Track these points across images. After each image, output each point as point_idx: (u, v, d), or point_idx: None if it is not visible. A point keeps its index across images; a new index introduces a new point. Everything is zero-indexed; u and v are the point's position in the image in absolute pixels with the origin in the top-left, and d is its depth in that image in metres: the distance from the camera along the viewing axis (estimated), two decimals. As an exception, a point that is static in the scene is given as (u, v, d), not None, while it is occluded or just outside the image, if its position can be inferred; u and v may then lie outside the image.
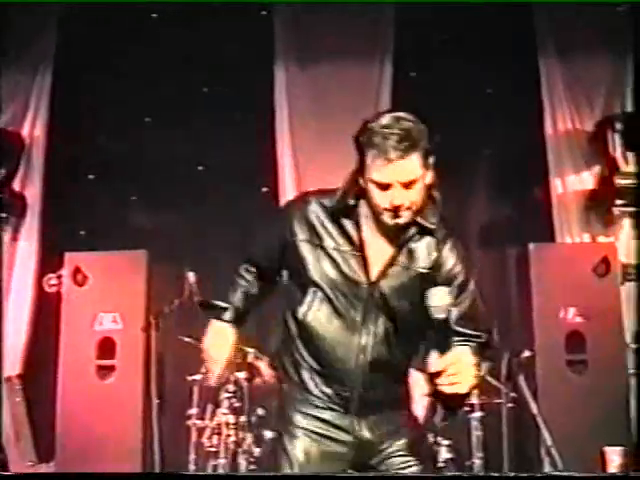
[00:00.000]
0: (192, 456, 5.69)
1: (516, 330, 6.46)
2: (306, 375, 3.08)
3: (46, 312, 6.58)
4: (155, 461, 5.82)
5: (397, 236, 2.99)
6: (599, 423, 5.78)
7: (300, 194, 3.29)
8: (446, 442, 5.58)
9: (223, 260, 6.04)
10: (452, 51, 6.89)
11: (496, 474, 5.34)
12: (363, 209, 3.02)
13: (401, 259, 3.00)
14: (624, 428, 5.93)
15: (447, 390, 2.84)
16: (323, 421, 3.05)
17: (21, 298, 6.77)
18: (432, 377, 2.85)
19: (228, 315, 3.21)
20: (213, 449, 5.60)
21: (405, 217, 2.91)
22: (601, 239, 6.83)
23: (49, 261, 6.64)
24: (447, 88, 6.93)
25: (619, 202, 6.68)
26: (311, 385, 3.07)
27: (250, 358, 5.66)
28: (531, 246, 6.24)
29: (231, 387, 5.66)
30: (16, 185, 6.92)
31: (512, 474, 5.34)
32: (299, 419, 3.07)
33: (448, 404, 3.02)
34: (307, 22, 6.99)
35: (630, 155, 6.76)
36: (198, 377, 5.73)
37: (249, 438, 5.55)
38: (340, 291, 2.99)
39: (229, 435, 5.59)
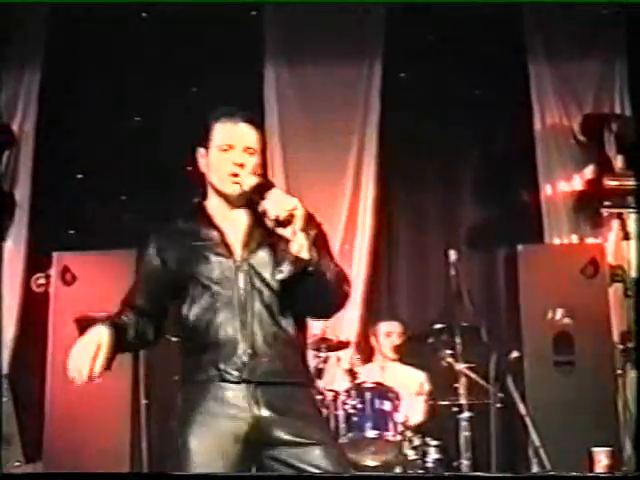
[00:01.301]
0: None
1: (504, 331, 6.47)
2: (200, 359, 3.11)
3: (34, 312, 6.55)
4: (143, 462, 5.82)
5: (245, 205, 3.19)
6: (587, 424, 5.81)
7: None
8: (434, 442, 5.61)
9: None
10: (441, 52, 6.91)
11: (484, 474, 5.36)
12: (209, 200, 3.25)
13: (258, 227, 3.14)
14: (612, 429, 5.95)
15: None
16: (221, 393, 3.06)
17: (9, 298, 6.74)
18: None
19: (106, 322, 3.17)
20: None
21: (245, 181, 3.11)
22: (589, 240, 6.85)
23: (37, 261, 6.61)
24: (436, 89, 6.95)
25: (608, 203, 6.71)
26: (205, 363, 3.10)
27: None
28: (519, 247, 6.25)
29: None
30: (4, 184, 6.90)
31: (500, 474, 5.36)
32: (190, 405, 3.10)
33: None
34: (297, 22, 6.99)
35: (619, 157, 6.80)
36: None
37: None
38: (214, 277, 3.12)
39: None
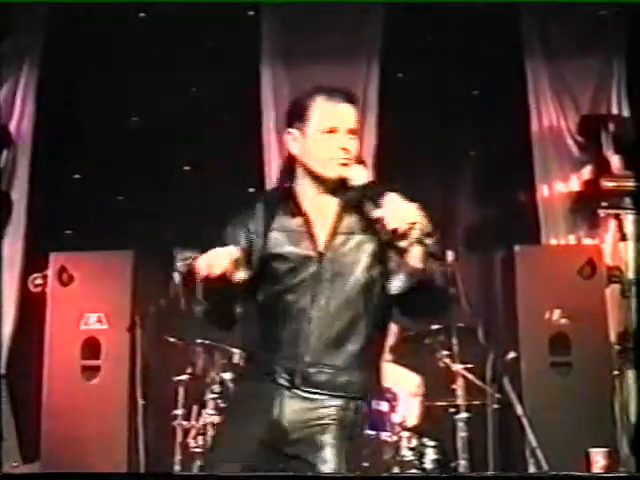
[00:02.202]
0: (178, 457, 5.68)
1: (501, 331, 6.48)
2: (260, 356, 3.03)
3: (31, 312, 6.56)
4: (140, 462, 5.83)
5: (340, 191, 3.00)
6: (584, 424, 5.81)
7: None
8: (432, 443, 5.61)
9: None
10: (439, 52, 6.90)
11: (482, 475, 5.37)
12: (300, 185, 3.05)
13: (345, 224, 3.00)
14: (609, 429, 5.96)
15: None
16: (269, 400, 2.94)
17: (6, 298, 6.74)
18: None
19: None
20: (199, 450, 5.59)
21: (352, 168, 2.93)
22: (587, 241, 6.86)
23: (34, 261, 6.61)
24: (434, 89, 6.95)
25: (605, 204, 6.72)
26: (262, 363, 2.99)
27: (236, 359, 5.66)
28: (517, 248, 6.25)
29: (217, 388, 5.65)
30: (2, 184, 6.90)
31: (497, 474, 5.37)
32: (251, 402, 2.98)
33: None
34: (294, 22, 6.99)
35: (617, 158, 6.81)
36: (184, 377, 5.72)
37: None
38: (292, 267, 2.96)
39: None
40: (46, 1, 6.82)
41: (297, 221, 3.01)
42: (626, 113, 6.99)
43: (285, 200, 3.05)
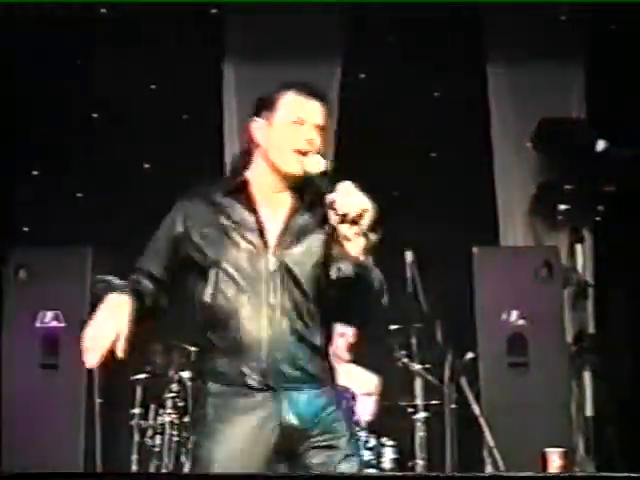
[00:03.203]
0: (135, 456, 5.65)
1: (459, 332, 6.51)
2: (220, 362, 2.95)
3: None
4: (97, 461, 5.78)
5: (294, 189, 2.98)
6: (540, 425, 5.86)
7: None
8: (390, 443, 5.63)
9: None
10: (401, 53, 6.94)
11: (439, 474, 5.39)
12: (255, 179, 3.01)
13: (298, 221, 2.97)
14: (565, 430, 6.02)
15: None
16: (245, 402, 2.90)
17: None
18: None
19: (127, 288, 2.95)
20: (156, 449, 5.57)
21: (313, 163, 2.90)
22: (544, 243, 6.92)
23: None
24: (395, 90, 6.97)
25: (562, 207, 6.78)
26: (227, 368, 2.93)
27: (194, 357, 5.64)
28: (475, 249, 6.30)
29: (175, 386, 5.63)
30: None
31: (455, 474, 5.40)
32: (215, 415, 2.92)
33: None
34: (257, 21, 6.97)
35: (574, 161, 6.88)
36: (142, 376, 5.69)
37: (193, 438, 5.51)
38: (241, 266, 2.91)
39: (172, 435, 5.57)
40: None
41: (248, 215, 2.96)
42: (585, 117, 7.07)
43: (238, 192, 3.00)
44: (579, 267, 6.76)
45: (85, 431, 5.90)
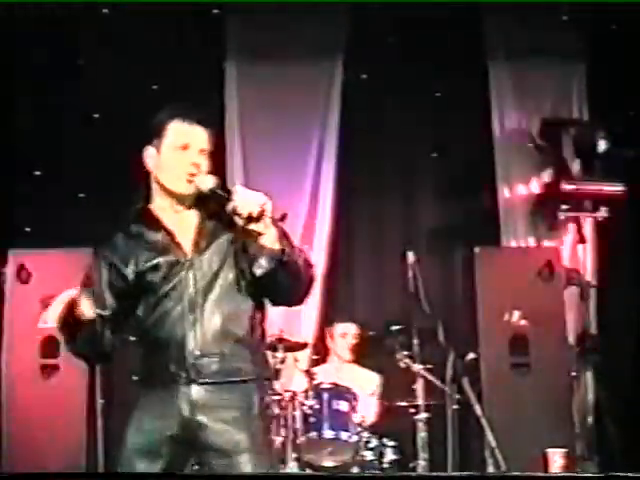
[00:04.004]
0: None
1: (461, 332, 6.51)
2: (149, 362, 3.19)
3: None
4: (99, 462, 5.78)
5: (193, 206, 3.20)
6: (542, 425, 5.86)
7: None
8: (392, 443, 5.63)
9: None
10: (402, 54, 6.94)
11: (440, 475, 5.39)
12: (155, 201, 3.24)
13: (207, 230, 3.18)
14: (566, 430, 6.01)
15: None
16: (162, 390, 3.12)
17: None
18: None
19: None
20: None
21: (204, 181, 3.11)
22: (546, 243, 6.92)
23: (-7, 258, 6.53)
24: (397, 90, 6.98)
25: (564, 207, 6.78)
26: (153, 364, 3.17)
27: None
28: (477, 249, 6.29)
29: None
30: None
31: (456, 474, 5.39)
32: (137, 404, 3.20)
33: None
34: (259, 21, 6.97)
35: (577, 162, 6.88)
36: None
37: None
38: (163, 278, 3.13)
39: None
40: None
41: (160, 235, 3.18)
42: (586, 117, 7.06)
43: (144, 218, 3.23)
44: (580, 268, 6.76)
45: (87, 431, 5.89)
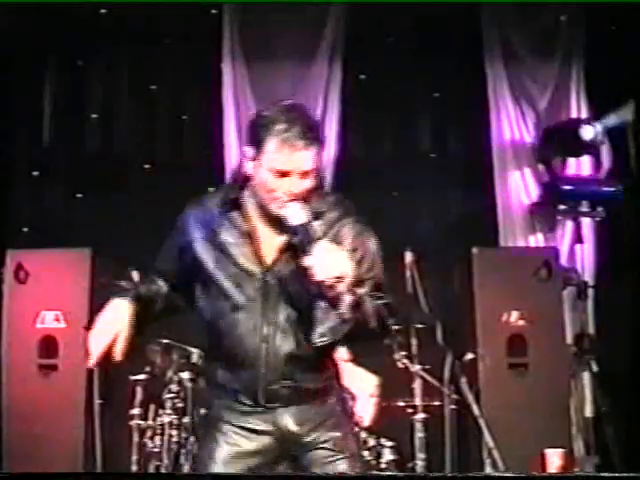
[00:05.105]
0: (134, 457, 5.64)
1: (459, 333, 6.50)
2: (220, 373, 3.08)
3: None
4: (97, 462, 5.78)
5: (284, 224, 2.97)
6: (540, 425, 5.86)
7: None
8: (389, 443, 5.62)
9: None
10: (401, 54, 6.94)
11: (438, 475, 5.39)
12: (250, 199, 3.05)
13: (294, 244, 2.97)
14: (564, 430, 6.01)
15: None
16: (241, 418, 3.03)
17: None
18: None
19: (129, 294, 3.08)
20: (156, 450, 5.56)
21: (290, 207, 2.92)
22: (544, 244, 6.92)
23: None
24: (395, 91, 6.98)
25: (562, 207, 6.78)
26: (225, 381, 3.06)
27: (194, 358, 5.64)
28: (474, 249, 6.28)
29: (174, 387, 5.63)
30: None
31: (454, 475, 5.40)
32: (220, 422, 3.06)
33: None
34: (257, 22, 6.98)
35: (574, 161, 6.88)
36: (142, 377, 5.69)
37: (192, 439, 5.52)
38: (238, 283, 2.99)
39: (172, 436, 5.56)
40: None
41: (245, 234, 3.02)
42: (585, 116, 7.07)
43: (236, 209, 3.05)
44: (579, 268, 6.77)
45: (85, 431, 5.89)
